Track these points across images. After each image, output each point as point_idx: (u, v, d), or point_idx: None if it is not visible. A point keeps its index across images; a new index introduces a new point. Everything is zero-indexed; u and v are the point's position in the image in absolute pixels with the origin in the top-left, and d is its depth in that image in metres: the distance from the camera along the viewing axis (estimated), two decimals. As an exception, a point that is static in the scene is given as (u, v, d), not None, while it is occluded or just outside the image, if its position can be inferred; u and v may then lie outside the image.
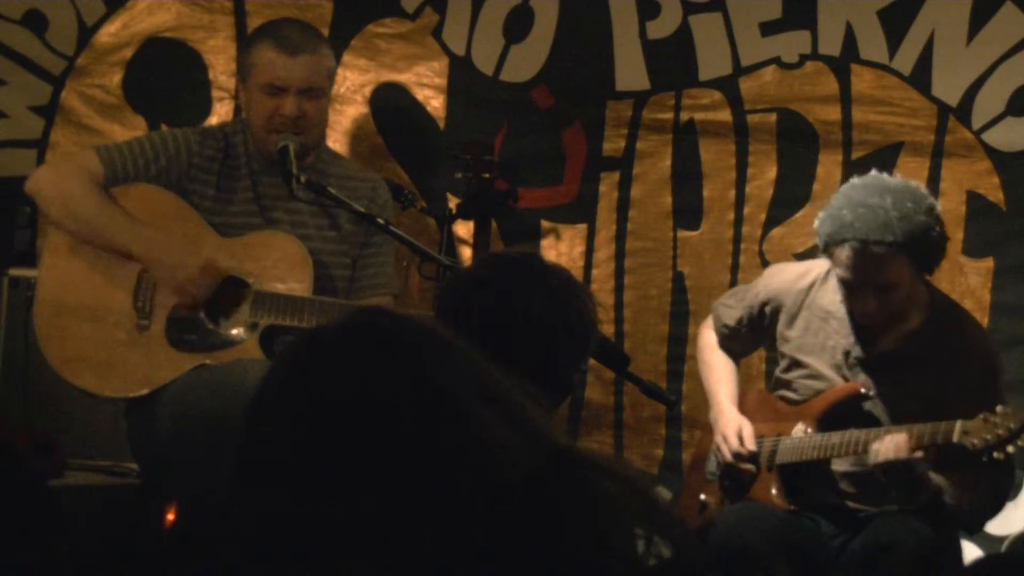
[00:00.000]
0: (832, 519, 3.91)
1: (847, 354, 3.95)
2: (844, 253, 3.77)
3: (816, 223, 3.86)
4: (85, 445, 4.35)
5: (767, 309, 4.09)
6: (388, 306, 4.00)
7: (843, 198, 3.81)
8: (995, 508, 3.95)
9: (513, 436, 1.69)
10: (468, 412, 1.68)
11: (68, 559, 2.25)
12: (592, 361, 3.74)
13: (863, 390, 3.90)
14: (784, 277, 4.11)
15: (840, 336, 3.95)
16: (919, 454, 3.71)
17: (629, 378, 3.62)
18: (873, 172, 3.89)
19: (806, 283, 4.04)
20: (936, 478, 3.77)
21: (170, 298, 4.01)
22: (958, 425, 3.66)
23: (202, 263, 3.99)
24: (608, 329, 4.80)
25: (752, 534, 3.76)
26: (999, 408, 3.67)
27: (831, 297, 3.97)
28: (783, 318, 4.06)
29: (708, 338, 4.25)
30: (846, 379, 3.95)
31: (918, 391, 3.83)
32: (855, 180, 3.87)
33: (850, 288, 3.84)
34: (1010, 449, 3.65)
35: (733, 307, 4.18)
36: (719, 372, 4.18)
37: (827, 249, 3.83)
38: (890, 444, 3.72)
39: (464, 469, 1.65)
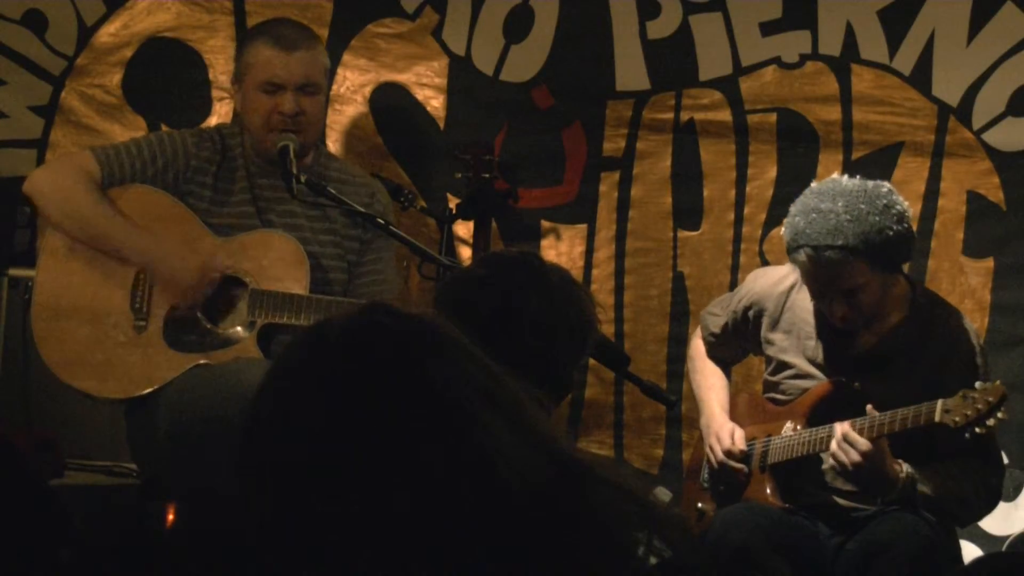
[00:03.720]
0: (828, 519, 3.91)
1: (830, 354, 3.95)
2: (800, 259, 3.78)
3: (782, 231, 3.87)
4: (85, 445, 4.35)
5: (750, 313, 4.10)
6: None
7: (799, 204, 3.81)
8: (988, 500, 3.94)
9: (514, 440, 1.68)
10: (469, 415, 1.67)
11: (69, 559, 2.25)
12: (592, 361, 3.74)
13: (844, 379, 3.91)
14: (765, 281, 4.12)
15: (822, 336, 3.96)
16: (865, 446, 3.70)
17: (629, 378, 3.62)
18: (833, 176, 3.88)
19: (787, 285, 4.04)
20: (906, 467, 3.77)
21: (168, 300, 4.01)
22: (939, 404, 3.67)
23: (200, 265, 3.99)
24: (608, 329, 4.80)
25: (750, 533, 3.76)
26: (978, 384, 3.68)
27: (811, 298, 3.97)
28: (766, 321, 4.06)
29: (698, 347, 4.28)
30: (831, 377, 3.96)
31: (904, 386, 3.83)
32: (813, 185, 3.87)
33: (814, 294, 3.86)
34: (991, 423, 3.66)
35: (719, 315, 4.20)
36: (709, 379, 4.20)
37: (789, 256, 3.84)
38: (837, 451, 3.73)
39: (463, 473, 1.64)
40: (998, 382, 3.69)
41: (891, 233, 3.73)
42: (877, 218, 3.72)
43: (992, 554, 4.38)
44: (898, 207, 3.77)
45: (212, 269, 4.00)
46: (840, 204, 3.72)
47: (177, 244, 4.02)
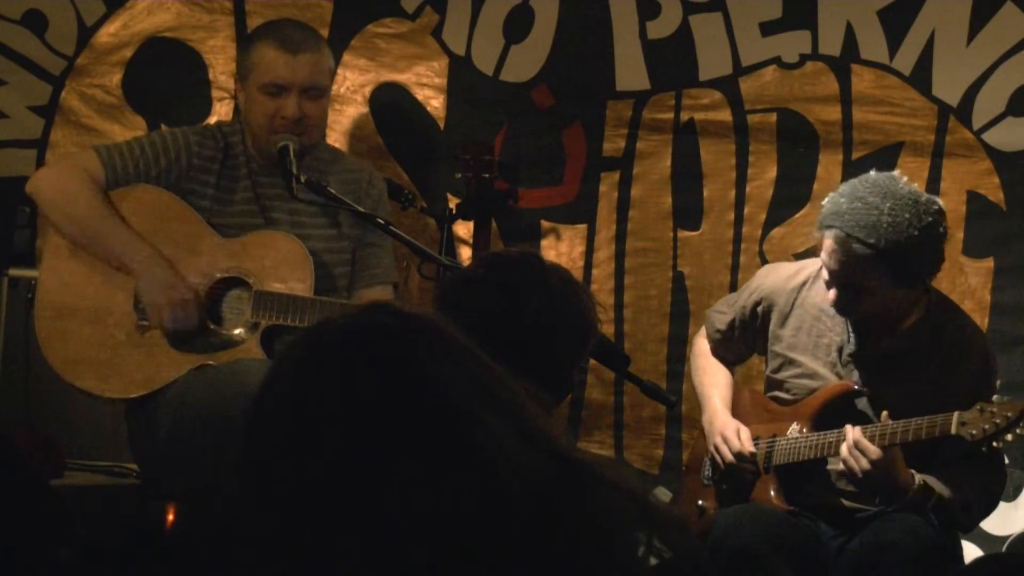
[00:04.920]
0: (830, 520, 3.90)
1: (840, 351, 3.94)
2: (828, 239, 3.76)
3: (823, 202, 3.84)
4: (85, 445, 4.35)
5: (759, 309, 4.08)
6: (389, 299, 3.99)
7: (849, 186, 3.79)
8: (988, 505, 3.93)
9: (515, 440, 1.68)
10: (471, 416, 1.67)
11: (69, 560, 2.25)
12: (592, 361, 3.74)
13: (856, 387, 3.90)
14: (776, 276, 4.10)
15: (834, 333, 3.95)
16: (876, 454, 3.70)
17: (629, 378, 3.62)
18: (894, 173, 3.83)
19: (798, 282, 4.03)
20: (918, 477, 3.77)
21: (152, 319, 4.00)
22: (955, 416, 3.65)
23: (191, 295, 3.96)
24: (608, 329, 4.80)
25: (751, 534, 3.75)
26: (995, 398, 3.66)
27: (824, 295, 3.95)
28: (775, 317, 4.05)
29: (701, 346, 4.26)
30: (840, 377, 3.94)
31: (913, 388, 3.82)
32: (872, 173, 3.82)
33: (826, 274, 3.84)
34: (1008, 438, 3.64)
35: (725, 312, 4.18)
36: (712, 376, 4.17)
37: (817, 230, 3.82)
38: (848, 457, 3.73)
39: (463, 473, 1.64)
40: (1006, 398, 3.68)
41: (921, 251, 3.71)
42: (916, 233, 3.69)
43: (992, 554, 4.38)
44: (939, 229, 3.74)
45: (201, 296, 3.99)
46: (888, 204, 3.69)
47: (173, 268, 3.99)
